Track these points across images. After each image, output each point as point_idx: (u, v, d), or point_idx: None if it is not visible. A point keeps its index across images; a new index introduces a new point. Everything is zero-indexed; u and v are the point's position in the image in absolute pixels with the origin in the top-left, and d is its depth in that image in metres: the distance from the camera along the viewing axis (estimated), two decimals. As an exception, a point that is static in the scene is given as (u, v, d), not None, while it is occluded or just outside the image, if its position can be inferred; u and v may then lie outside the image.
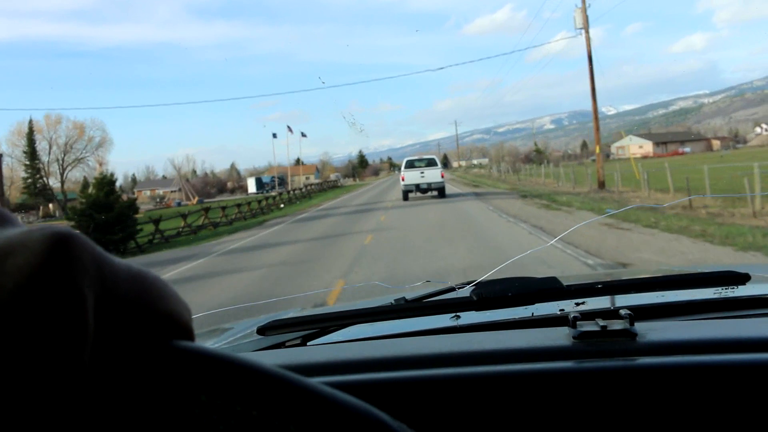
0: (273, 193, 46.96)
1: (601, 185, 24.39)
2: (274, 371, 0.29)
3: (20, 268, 0.25)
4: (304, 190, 50.00)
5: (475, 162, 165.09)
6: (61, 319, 0.25)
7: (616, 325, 0.88)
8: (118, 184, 21.59)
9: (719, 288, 1.24)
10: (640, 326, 0.88)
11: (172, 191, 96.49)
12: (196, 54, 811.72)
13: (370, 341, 1.13)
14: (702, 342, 0.84)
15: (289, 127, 64.70)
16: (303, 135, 69.55)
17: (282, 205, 38.38)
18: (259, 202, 35.07)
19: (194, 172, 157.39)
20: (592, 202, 18.43)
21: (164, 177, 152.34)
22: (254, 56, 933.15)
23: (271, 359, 0.98)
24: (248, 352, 1.17)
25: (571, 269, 7.68)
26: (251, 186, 79.21)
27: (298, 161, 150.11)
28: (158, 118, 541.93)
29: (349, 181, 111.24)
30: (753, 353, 0.80)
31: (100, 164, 57.19)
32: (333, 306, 2.08)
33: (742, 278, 1.13)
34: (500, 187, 34.10)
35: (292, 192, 47.06)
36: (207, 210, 25.00)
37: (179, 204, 54.60)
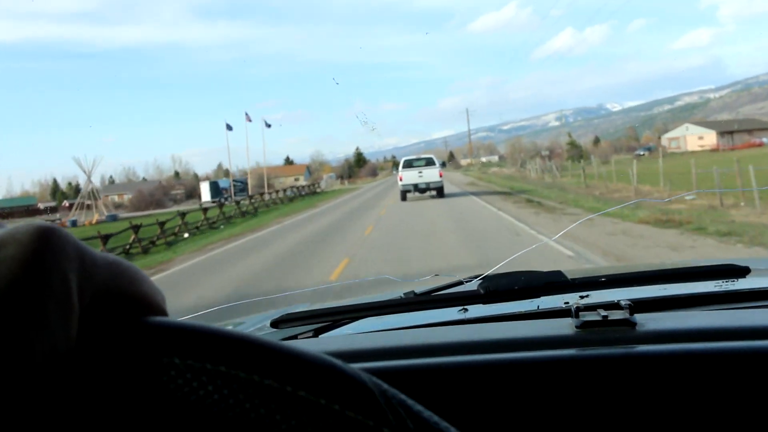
0: (212, 205, 29.88)
1: None
2: (235, 333, 0.32)
3: (13, 257, 0.28)
4: (248, 204, 32.77)
5: (484, 160, 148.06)
6: (52, 301, 0.28)
7: (617, 314, 0.90)
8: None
9: (719, 281, 1.25)
10: (640, 317, 0.91)
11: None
12: (199, 55, 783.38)
13: (380, 333, 1.15)
14: (699, 331, 0.86)
15: (247, 114, 47.30)
16: (267, 125, 52.42)
17: (186, 235, 21.81)
18: (184, 219, 22.05)
19: (176, 174, 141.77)
20: None
21: (144, 179, 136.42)
22: (257, 56, 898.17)
23: None
24: None
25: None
26: (204, 193, 55.35)
27: (287, 160, 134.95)
28: (158, 119, 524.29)
29: (337, 184, 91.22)
30: (749, 341, 0.81)
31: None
32: (344, 300, 1.85)
33: (742, 271, 1.21)
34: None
35: (239, 204, 30.35)
36: None
37: (74, 224, 37.10)
